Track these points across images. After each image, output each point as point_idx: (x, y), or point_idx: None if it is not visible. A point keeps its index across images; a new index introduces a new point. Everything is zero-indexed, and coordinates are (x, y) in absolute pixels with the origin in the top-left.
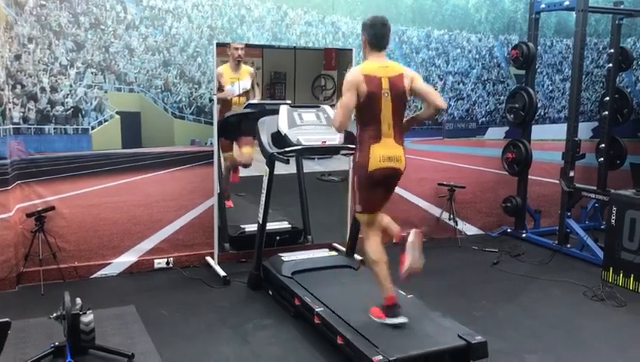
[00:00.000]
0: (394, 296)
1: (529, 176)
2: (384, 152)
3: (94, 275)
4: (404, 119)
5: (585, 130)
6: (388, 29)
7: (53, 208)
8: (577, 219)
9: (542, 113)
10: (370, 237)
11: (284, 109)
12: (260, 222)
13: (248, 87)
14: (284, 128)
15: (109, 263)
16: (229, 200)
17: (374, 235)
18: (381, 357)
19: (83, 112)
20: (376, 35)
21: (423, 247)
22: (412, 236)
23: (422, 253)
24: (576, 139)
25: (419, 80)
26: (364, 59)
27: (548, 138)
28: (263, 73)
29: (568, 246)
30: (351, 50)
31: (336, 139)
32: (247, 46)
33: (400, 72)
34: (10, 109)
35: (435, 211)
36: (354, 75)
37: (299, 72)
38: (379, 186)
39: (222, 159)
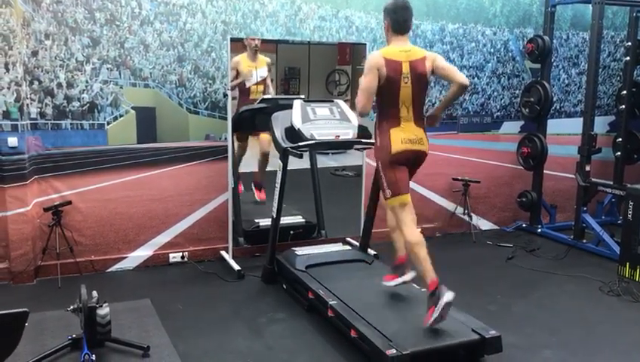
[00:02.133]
0: (436, 279)
1: (545, 171)
2: (405, 135)
3: (110, 269)
4: (436, 108)
5: (602, 124)
6: (410, 12)
7: (69, 202)
8: (594, 214)
9: (558, 107)
10: (405, 222)
11: (297, 104)
12: (274, 216)
13: (265, 75)
14: (297, 123)
15: (125, 257)
16: (263, 190)
17: (409, 219)
18: (395, 351)
19: (99, 108)
20: (398, 20)
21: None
22: (447, 294)
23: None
24: (593, 133)
25: (440, 59)
26: (388, 43)
27: (564, 132)
28: (277, 68)
29: (584, 241)
30: (364, 44)
31: (349, 133)
32: (263, 41)
33: (422, 56)
34: (27, 105)
35: (450, 206)
36: (375, 57)
37: (313, 67)
38: (403, 168)
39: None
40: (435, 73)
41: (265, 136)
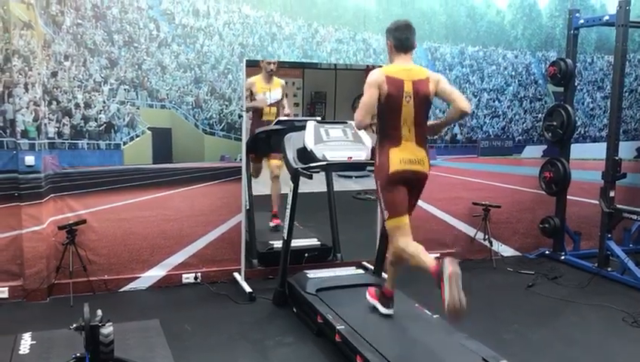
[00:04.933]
0: (435, 263)
1: (568, 197)
2: (404, 155)
3: (123, 289)
4: (432, 123)
5: (629, 149)
6: (412, 31)
7: (84, 221)
8: (620, 242)
9: (582, 131)
10: (406, 247)
11: (310, 125)
12: (285, 237)
13: (279, 97)
14: (310, 144)
15: (138, 277)
16: (278, 218)
17: (406, 241)
18: None
19: (115, 128)
20: (400, 38)
21: None
22: (446, 267)
23: (461, 292)
24: (617, 157)
25: (444, 82)
26: (390, 62)
27: (588, 157)
28: (304, 93)
29: (609, 269)
30: (381, 67)
31: (362, 155)
32: (290, 66)
33: (425, 76)
34: (45, 124)
35: (470, 231)
36: (376, 74)
37: (339, 92)
38: (402, 188)
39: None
40: (437, 95)
41: (274, 161)
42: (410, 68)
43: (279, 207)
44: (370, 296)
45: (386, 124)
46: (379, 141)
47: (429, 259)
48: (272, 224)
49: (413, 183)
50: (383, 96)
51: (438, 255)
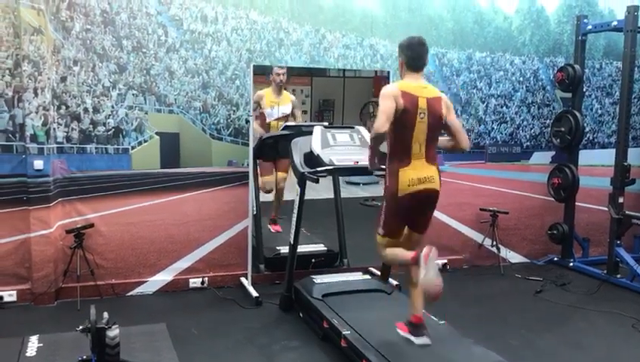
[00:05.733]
0: (415, 254)
1: (577, 203)
2: (414, 175)
3: (130, 293)
4: None
5: (638, 155)
6: (426, 49)
7: (92, 225)
8: (630, 249)
9: (591, 138)
10: (386, 252)
11: (317, 130)
12: (292, 242)
13: (288, 112)
14: (316, 148)
15: (145, 281)
16: (278, 225)
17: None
18: None
19: (124, 133)
20: (414, 57)
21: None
22: (426, 249)
23: (438, 274)
24: (626, 163)
25: (453, 112)
26: (401, 78)
27: (597, 163)
28: (312, 100)
29: (618, 276)
30: (388, 72)
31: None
32: (298, 74)
33: (438, 96)
34: (54, 129)
35: (478, 237)
36: (391, 88)
37: (347, 99)
38: (409, 211)
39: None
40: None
41: (281, 174)
42: (424, 85)
43: (280, 214)
44: (401, 330)
45: (398, 141)
46: (389, 160)
47: (408, 252)
48: (271, 230)
49: (422, 201)
50: (399, 110)
51: (445, 261)
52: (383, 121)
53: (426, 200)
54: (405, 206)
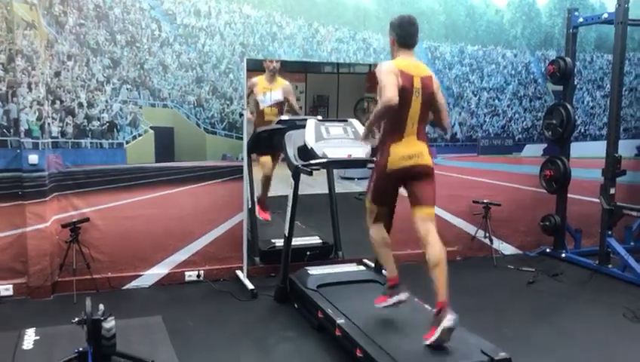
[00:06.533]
0: (396, 276)
1: (569, 195)
2: (405, 151)
3: (126, 286)
4: None
5: (629, 147)
6: (416, 29)
7: (87, 219)
8: (622, 240)
9: (582, 130)
10: (372, 226)
11: (311, 123)
12: (286, 234)
13: (280, 98)
14: (310, 142)
15: (141, 275)
16: (267, 212)
17: (377, 225)
18: None
19: (118, 127)
20: (404, 35)
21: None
22: (400, 294)
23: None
24: (617, 155)
25: (440, 92)
26: (393, 58)
27: (589, 156)
28: (307, 97)
29: (609, 266)
30: None
31: (362, 152)
32: (292, 71)
33: (430, 75)
34: (49, 124)
35: (470, 229)
36: (390, 66)
37: (342, 95)
38: (394, 186)
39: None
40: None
41: (267, 159)
42: (417, 64)
43: (271, 204)
44: (380, 302)
45: (394, 118)
46: (381, 137)
47: (390, 266)
48: (260, 217)
49: (413, 176)
50: (398, 88)
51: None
52: (394, 92)
53: (418, 175)
54: (393, 181)
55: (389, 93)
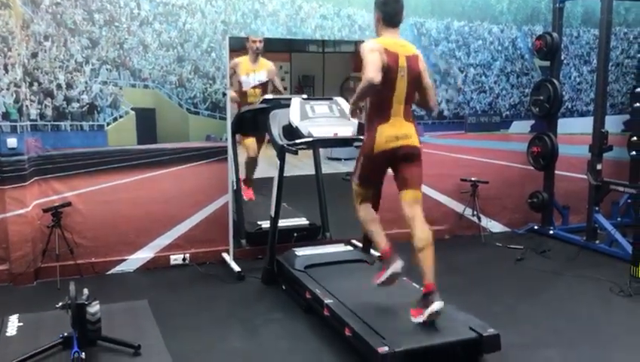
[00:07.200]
0: (389, 248)
1: (557, 172)
2: (392, 132)
3: (111, 271)
4: None
5: (616, 122)
6: (401, 6)
7: (69, 204)
8: (609, 216)
9: (569, 106)
10: (360, 207)
11: (296, 102)
12: (273, 215)
13: (264, 79)
14: (295, 120)
15: (126, 259)
16: (250, 189)
17: (364, 205)
18: (387, 349)
19: (98, 109)
20: (389, 12)
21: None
22: (394, 265)
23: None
24: (604, 130)
25: (426, 72)
26: (378, 36)
27: (576, 132)
28: (292, 77)
29: (597, 242)
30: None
31: (348, 131)
32: (277, 50)
33: (416, 53)
34: (27, 106)
35: (458, 208)
36: (375, 44)
37: (327, 75)
38: (381, 168)
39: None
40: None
41: (251, 141)
42: (402, 43)
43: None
44: (377, 277)
45: (379, 98)
46: (368, 117)
47: (382, 240)
48: (244, 196)
49: (400, 158)
50: (383, 67)
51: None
52: (375, 71)
53: (405, 156)
54: (380, 163)
55: (369, 72)
